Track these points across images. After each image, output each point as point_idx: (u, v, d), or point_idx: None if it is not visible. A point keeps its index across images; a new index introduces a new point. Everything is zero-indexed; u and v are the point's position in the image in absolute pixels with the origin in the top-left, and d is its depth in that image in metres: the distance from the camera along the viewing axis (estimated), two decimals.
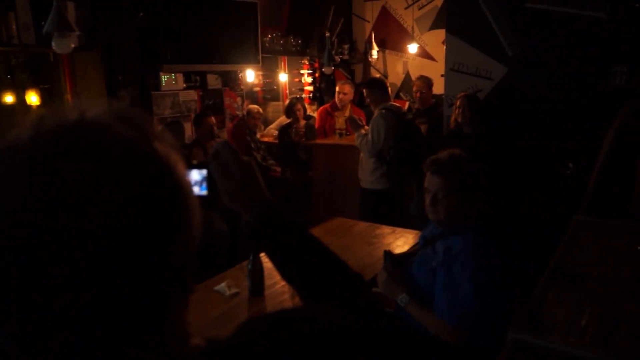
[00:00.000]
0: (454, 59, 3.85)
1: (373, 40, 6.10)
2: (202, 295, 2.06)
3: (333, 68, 5.42)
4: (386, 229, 2.87)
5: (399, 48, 6.35)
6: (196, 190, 0.74)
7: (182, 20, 4.18)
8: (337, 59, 5.79)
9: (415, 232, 2.72)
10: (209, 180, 0.83)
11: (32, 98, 3.76)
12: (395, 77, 6.54)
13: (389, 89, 3.98)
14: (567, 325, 1.32)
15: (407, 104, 6.28)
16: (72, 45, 2.66)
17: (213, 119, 4.33)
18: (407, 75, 6.41)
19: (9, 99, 3.81)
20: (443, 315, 1.78)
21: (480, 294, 1.75)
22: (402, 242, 2.65)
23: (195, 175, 0.77)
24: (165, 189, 0.46)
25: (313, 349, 0.57)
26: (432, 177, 1.94)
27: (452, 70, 3.88)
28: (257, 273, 2.03)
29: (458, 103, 3.47)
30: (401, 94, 6.50)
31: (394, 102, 6.40)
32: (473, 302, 1.72)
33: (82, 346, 0.43)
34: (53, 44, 2.62)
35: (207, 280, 2.19)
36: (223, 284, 2.11)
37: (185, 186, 0.49)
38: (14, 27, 3.42)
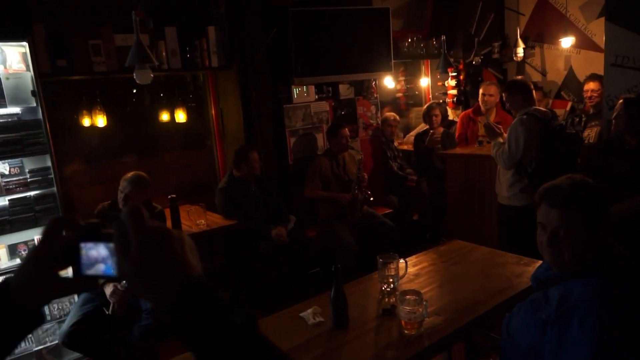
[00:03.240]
0: (615, 51, 3.19)
1: (518, 36, 5.44)
2: (287, 320, 2.00)
3: (450, 74, 5.01)
4: (511, 258, 2.47)
5: (560, 41, 5.56)
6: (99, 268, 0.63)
7: (312, 33, 4.23)
8: (478, 59, 5.31)
9: None
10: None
11: (180, 116, 4.16)
12: (555, 74, 5.76)
13: (533, 92, 3.46)
14: None
15: (569, 105, 5.51)
16: (152, 76, 2.80)
17: (347, 130, 4.31)
18: (570, 71, 5.59)
19: (164, 117, 4.28)
20: None
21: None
22: (527, 276, 2.24)
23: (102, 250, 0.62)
24: None
25: None
26: (549, 209, 1.56)
27: (614, 65, 3.22)
28: (339, 303, 1.89)
29: (616, 108, 2.86)
30: (563, 93, 5.70)
31: (554, 102, 5.71)
32: None
33: None
34: (134, 75, 2.78)
35: (297, 304, 2.13)
36: (309, 311, 2.02)
37: None
38: (163, 54, 3.82)
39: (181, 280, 0.59)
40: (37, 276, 0.63)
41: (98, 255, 0.62)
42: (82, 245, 0.63)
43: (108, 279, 0.62)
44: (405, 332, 1.80)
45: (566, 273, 1.57)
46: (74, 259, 0.63)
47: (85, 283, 0.64)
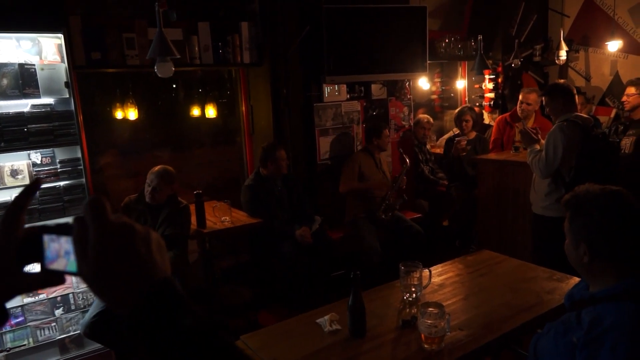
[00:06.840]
0: None
1: (562, 38, 5.20)
2: (303, 326, 1.95)
3: (486, 77, 4.82)
4: (542, 272, 2.34)
5: (607, 45, 5.31)
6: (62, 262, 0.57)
7: (346, 31, 4.14)
8: (518, 62, 5.12)
9: None
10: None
11: (210, 111, 4.16)
12: (600, 80, 5.50)
13: (575, 97, 3.29)
14: None
15: (613, 112, 5.26)
16: (173, 69, 2.78)
17: (387, 131, 4.26)
18: (616, 76, 5.33)
19: (195, 112, 4.30)
20: None
21: None
22: (559, 294, 2.11)
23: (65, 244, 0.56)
24: None
25: None
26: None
27: None
28: (357, 312, 1.82)
29: None
30: (607, 100, 5.44)
31: (598, 109, 5.46)
32: None
33: None
34: (155, 67, 2.77)
35: (315, 310, 2.06)
36: (326, 317, 1.95)
37: None
38: (196, 49, 3.82)
39: (144, 282, 0.54)
40: None
41: (60, 248, 0.56)
42: (45, 237, 0.57)
43: (70, 275, 0.56)
44: (425, 346, 1.71)
45: (599, 294, 1.47)
46: (38, 251, 0.57)
47: (51, 278, 0.58)
